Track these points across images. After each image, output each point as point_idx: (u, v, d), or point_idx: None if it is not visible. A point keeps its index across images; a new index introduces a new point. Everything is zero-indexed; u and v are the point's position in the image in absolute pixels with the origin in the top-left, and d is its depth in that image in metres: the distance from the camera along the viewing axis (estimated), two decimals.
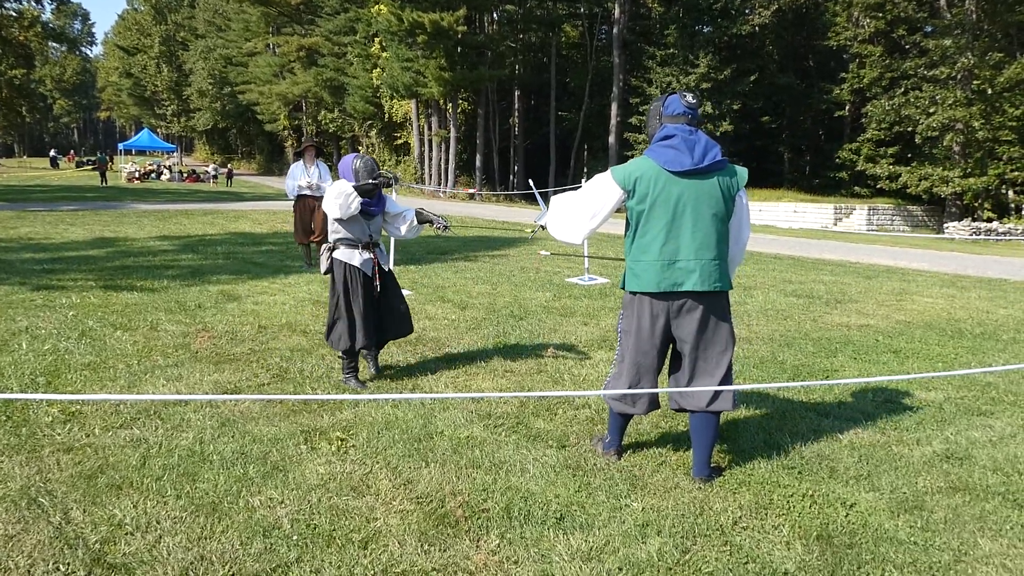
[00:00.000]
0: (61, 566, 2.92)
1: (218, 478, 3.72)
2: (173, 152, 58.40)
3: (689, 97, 3.78)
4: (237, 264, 11.37)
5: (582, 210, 3.87)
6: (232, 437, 4.26)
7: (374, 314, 5.40)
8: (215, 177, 46.67)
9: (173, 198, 28.94)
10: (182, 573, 2.90)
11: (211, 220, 19.26)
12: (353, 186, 5.07)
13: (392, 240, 9.31)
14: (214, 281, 9.58)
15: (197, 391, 5.13)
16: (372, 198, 5.24)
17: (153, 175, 47.69)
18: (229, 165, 52.97)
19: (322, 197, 11.70)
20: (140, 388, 5.15)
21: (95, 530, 3.20)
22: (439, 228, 5.49)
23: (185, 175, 48.74)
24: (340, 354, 5.39)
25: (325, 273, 5.40)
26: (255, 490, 3.61)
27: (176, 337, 6.57)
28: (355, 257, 5.27)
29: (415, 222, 5.48)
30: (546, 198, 4.81)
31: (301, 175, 10.78)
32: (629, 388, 3.89)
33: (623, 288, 3.94)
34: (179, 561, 2.98)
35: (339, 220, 5.21)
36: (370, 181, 5.11)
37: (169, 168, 49.81)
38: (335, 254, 5.30)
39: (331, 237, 5.34)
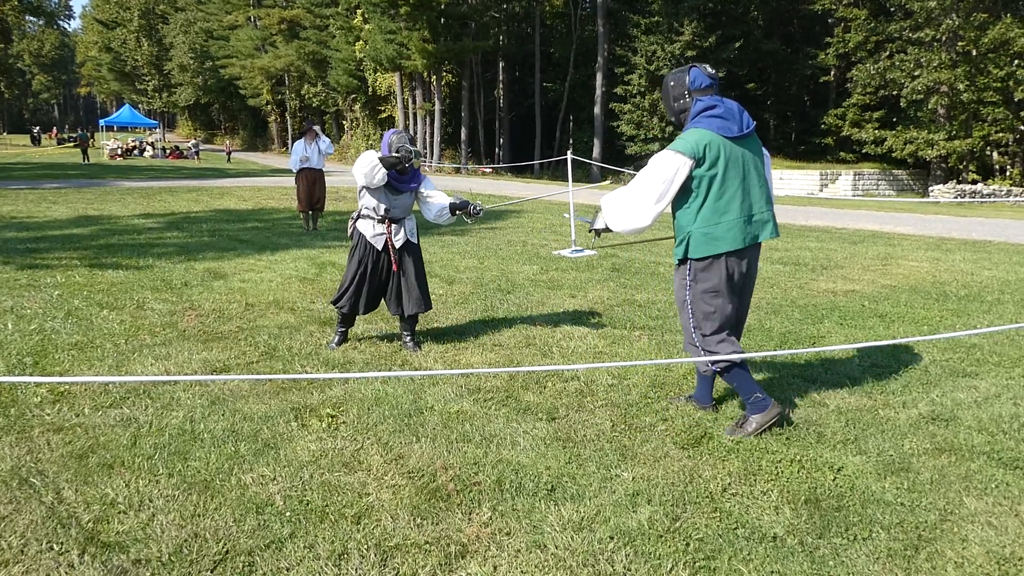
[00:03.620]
0: (55, 545, 2.93)
1: (209, 456, 3.72)
2: (155, 128, 57.78)
3: (709, 68, 4.10)
4: (223, 241, 11.31)
5: (648, 194, 3.98)
6: (222, 415, 4.26)
7: (379, 288, 5.59)
8: (197, 153, 46.23)
9: (157, 175, 28.68)
10: (176, 550, 2.91)
11: (196, 197, 19.11)
12: (379, 157, 5.23)
13: None
14: (200, 259, 9.53)
15: (186, 370, 5.12)
16: (399, 171, 5.36)
17: (136, 151, 47.21)
18: (228, 142, 52.51)
19: (321, 169, 12.55)
20: (128, 367, 5.14)
21: (88, 509, 3.20)
22: (473, 214, 5.60)
23: (168, 151, 48.25)
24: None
25: (349, 237, 5.67)
26: (247, 468, 3.62)
27: (163, 316, 6.54)
28: (369, 229, 5.50)
29: (446, 212, 5.60)
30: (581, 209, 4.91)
31: (303, 150, 12.42)
32: (729, 342, 4.08)
33: (686, 257, 4.06)
34: (173, 539, 2.99)
35: (365, 188, 5.44)
36: (393, 155, 5.26)
37: (152, 144, 49.29)
38: (357, 223, 5.58)
39: (359, 206, 5.61)
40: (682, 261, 4.16)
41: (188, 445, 3.86)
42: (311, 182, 12.57)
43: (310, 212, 12.94)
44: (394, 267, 5.53)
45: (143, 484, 3.43)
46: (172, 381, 4.76)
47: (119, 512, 3.19)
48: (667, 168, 3.94)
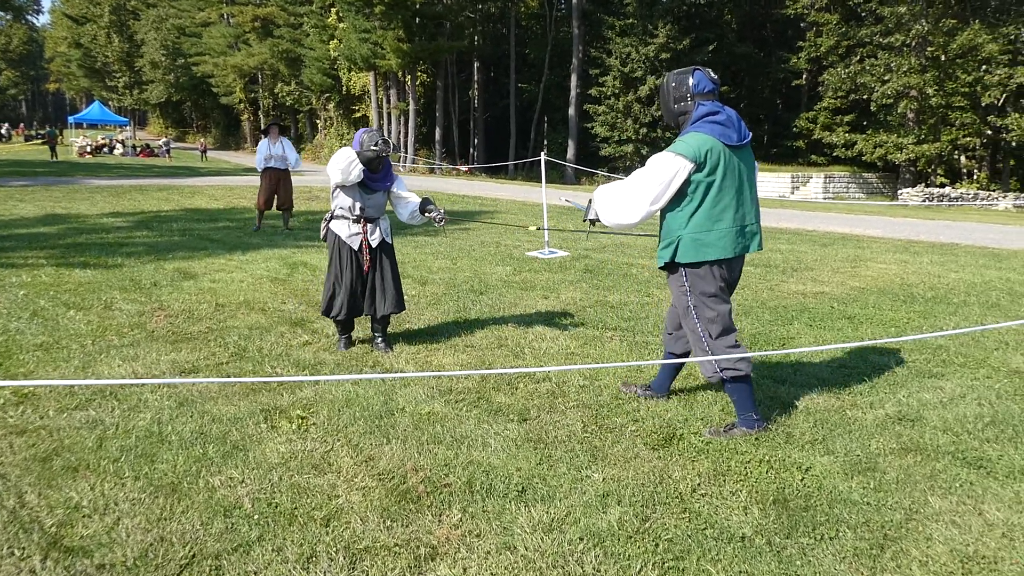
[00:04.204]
0: (16, 550, 2.88)
1: (177, 459, 3.68)
2: (126, 126, 56.99)
3: (712, 73, 4.06)
4: (193, 241, 11.19)
5: (644, 194, 3.99)
6: (191, 417, 4.21)
7: (360, 287, 5.54)
8: (168, 151, 45.69)
9: (126, 173, 28.30)
10: (142, 554, 2.88)
11: (166, 196, 18.89)
12: (356, 153, 5.20)
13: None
14: (170, 258, 9.41)
15: (154, 371, 5.05)
16: (374, 169, 5.36)
17: (105, 149, 46.55)
18: (203, 141, 51.89)
19: (286, 169, 12.37)
20: (95, 369, 5.06)
21: (51, 513, 3.15)
22: (437, 221, 5.59)
23: (139, 149, 47.63)
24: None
25: (323, 240, 5.61)
26: (215, 470, 3.58)
27: (131, 316, 6.46)
28: (344, 229, 5.46)
29: (418, 212, 5.60)
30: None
31: (267, 149, 12.32)
32: (738, 346, 4.10)
33: (673, 262, 4.09)
34: (138, 543, 2.95)
35: (339, 188, 5.40)
36: (372, 148, 5.23)
37: (122, 142, 48.63)
38: (331, 224, 5.53)
39: (332, 206, 5.56)
40: (671, 267, 4.16)
41: (155, 447, 3.81)
42: (275, 181, 12.42)
43: (267, 212, 12.79)
44: (365, 267, 5.49)
45: (108, 487, 3.38)
46: (139, 384, 4.70)
47: (83, 516, 3.14)
48: (667, 170, 3.93)
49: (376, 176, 5.42)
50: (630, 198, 4.02)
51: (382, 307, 5.54)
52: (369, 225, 5.50)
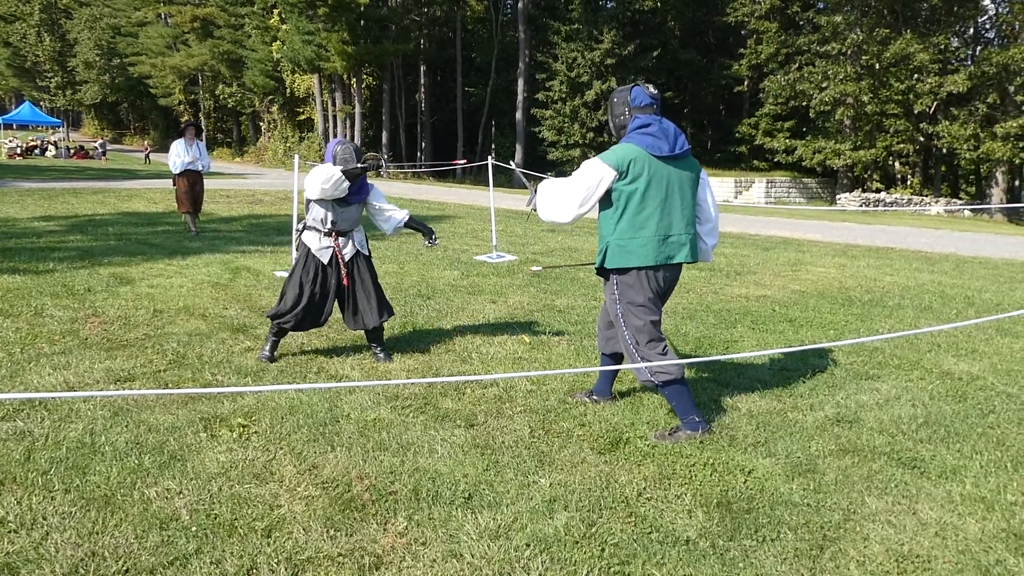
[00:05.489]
0: None
1: (111, 470, 3.56)
2: (58, 127, 55.24)
3: (651, 88, 4.20)
4: (130, 245, 10.89)
5: (572, 197, 4.10)
6: (126, 427, 4.08)
7: (321, 303, 5.36)
8: (104, 153, 44.45)
9: (59, 176, 27.42)
10: (72, 570, 2.77)
11: (101, 199, 18.35)
12: (341, 170, 5.02)
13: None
14: (105, 263, 9.13)
15: (87, 379, 4.89)
16: (353, 183, 5.20)
17: (37, 151, 45.06)
18: (148, 143, 50.52)
19: (200, 172, 12.09)
20: (23, 378, 4.87)
21: None
22: (429, 243, 5.62)
23: (73, 151, 46.23)
24: (271, 321, 5.39)
25: (297, 249, 5.45)
26: (151, 481, 3.47)
27: (63, 323, 6.24)
28: (315, 242, 5.31)
29: (403, 224, 5.54)
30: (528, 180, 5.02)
31: (184, 152, 12.03)
32: (667, 354, 4.15)
33: (605, 267, 4.18)
34: (68, 558, 2.84)
35: (315, 202, 5.25)
36: (359, 165, 5.09)
37: (55, 144, 47.13)
38: (303, 235, 5.38)
39: (307, 218, 5.39)
40: (603, 273, 4.27)
41: (87, 459, 3.67)
42: (192, 183, 12.18)
43: (192, 213, 12.54)
44: (344, 281, 5.34)
45: (37, 501, 3.25)
46: (70, 398, 4.54)
47: (10, 531, 3.01)
48: (592, 176, 4.07)
49: (351, 189, 5.22)
50: (562, 199, 4.16)
51: (370, 319, 5.41)
52: (341, 239, 5.36)
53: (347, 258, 5.37)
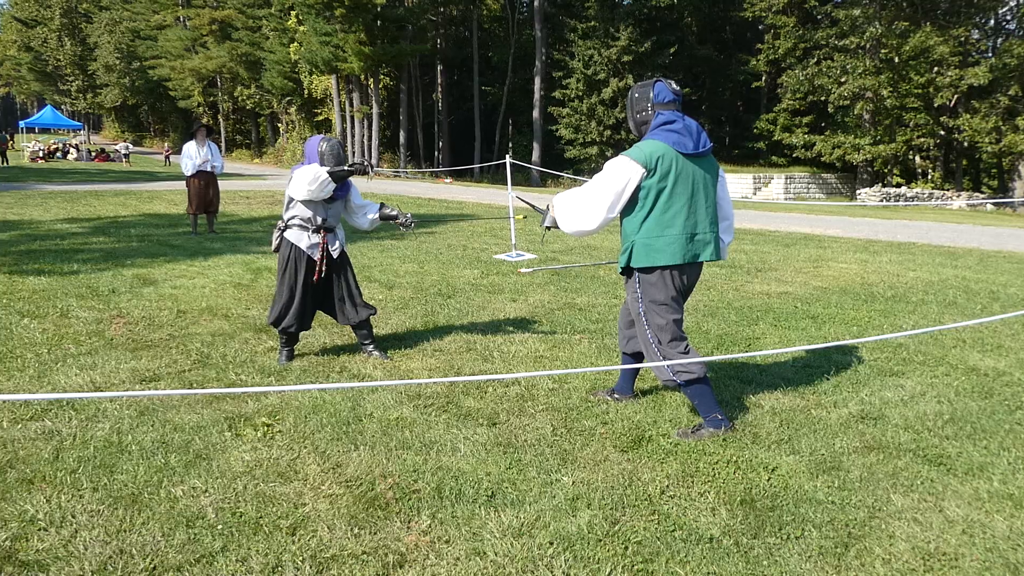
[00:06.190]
0: None
1: (137, 469, 3.60)
2: (80, 130, 55.88)
3: (674, 84, 4.14)
4: (153, 247, 10.99)
5: (600, 201, 4.03)
6: (152, 426, 4.12)
7: (315, 298, 5.40)
8: (127, 156, 44.89)
9: (82, 178, 27.73)
10: (100, 568, 2.80)
11: (123, 201, 18.54)
12: (328, 171, 4.99)
13: None
14: (128, 265, 9.23)
15: (113, 379, 4.94)
16: (336, 180, 5.17)
17: (59, 154, 45.61)
18: (167, 145, 50.95)
19: (212, 172, 12.18)
20: (51, 378, 4.93)
21: (5, 527, 3.06)
22: (404, 226, 5.51)
23: (94, 154, 46.73)
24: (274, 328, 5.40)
25: (275, 251, 5.37)
26: (177, 480, 3.50)
27: (89, 324, 6.31)
28: (303, 240, 5.26)
29: (377, 218, 5.51)
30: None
31: (196, 153, 12.09)
32: (688, 352, 4.12)
33: (629, 266, 4.14)
34: (97, 556, 2.87)
35: (300, 201, 5.19)
36: (345, 168, 5.06)
37: (76, 147, 47.66)
38: (286, 234, 5.31)
39: (285, 216, 5.32)
40: (627, 272, 4.23)
41: (115, 458, 3.72)
42: (204, 185, 12.31)
43: (201, 215, 12.67)
44: (315, 278, 5.32)
45: (66, 499, 3.29)
46: (97, 398, 4.59)
47: (39, 529, 3.05)
48: (619, 176, 4.00)
49: (338, 186, 5.23)
50: (588, 206, 4.07)
51: (354, 314, 5.44)
52: (329, 235, 5.37)
53: (336, 254, 5.38)
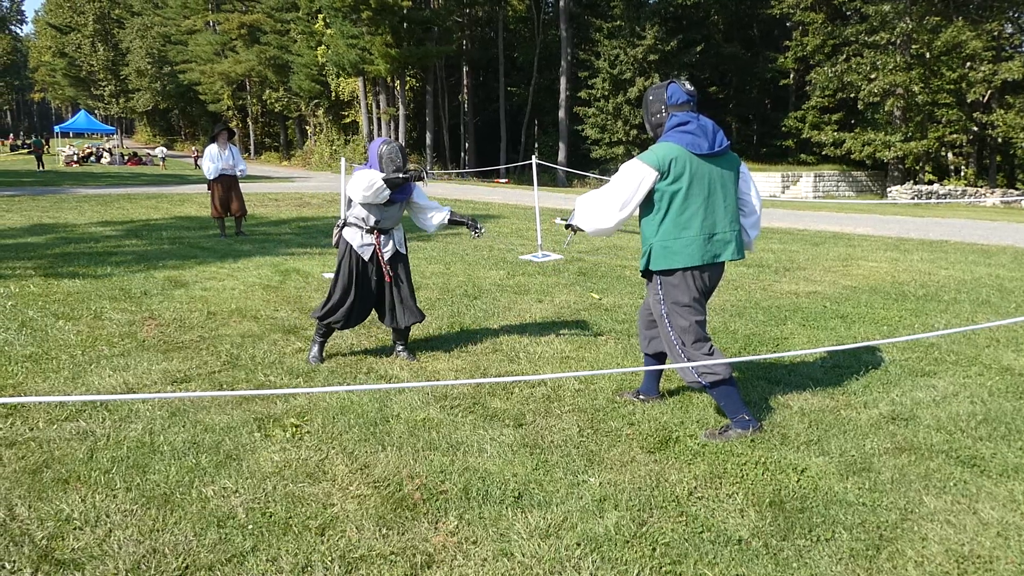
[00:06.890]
0: (6, 564, 2.85)
1: (169, 469, 3.65)
2: (113, 134, 56.78)
3: (688, 84, 4.12)
4: (183, 249, 11.14)
5: (613, 201, 4.06)
6: (183, 427, 4.18)
7: (367, 298, 5.45)
8: (164, 160, 45.49)
9: (114, 182, 28.17)
10: (134, 567, 2.85)
11: (155, 204, 18.80)
12: (383, 178, 5.05)
13: None
14: (160, 267, 9.37)
15: (145, 381, 5.02)
16: (392, 186, 5.22)
17: (92, 158, 46.35)
18: (196, 149, 51.56)
19: (234, 176, 12.22)
20: (85, 379, 5.02)
21: (41, 526, 3.12)
22: (474, 234, 5.59)
23: (127, 158, 47.44)
24: (318, 322, 5.46)
25: (335, 245, 5.49)
26: (208, 480, 3.55)
27: (122, 326, 6.41)
28: (357, 239, 5.35)
29: (446, 221, 5.56)
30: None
31: (217, 157, 12.07)
32: (713, 353, 4.11)
33: (650, 269, 4.15)
34: (131, 555, 2.92)
35: (358, 202, 5.27)
36: (400, 175, 5.10)
37: (109, 151, 48.41)
38: (344, 232, 5.41)
39: (345, 214, 5.45)
40: (648, 275, 4.24)
41: (147, 458, 3.78)
42: (227, 188, 12.33)
43: (227, 218, 12.71)
44: (387, 278, 5.41)
45: (100, 499, 3.35)
46: (130, 400, 4.66)
47: (74, 528, 3.11)
48: (633, 177, 4.02)
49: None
50: (602, 205, 4.10)
51: (402, 319, 5.48)
52: (383, 236, 5.41)
53: (387, 256, 5.43)
